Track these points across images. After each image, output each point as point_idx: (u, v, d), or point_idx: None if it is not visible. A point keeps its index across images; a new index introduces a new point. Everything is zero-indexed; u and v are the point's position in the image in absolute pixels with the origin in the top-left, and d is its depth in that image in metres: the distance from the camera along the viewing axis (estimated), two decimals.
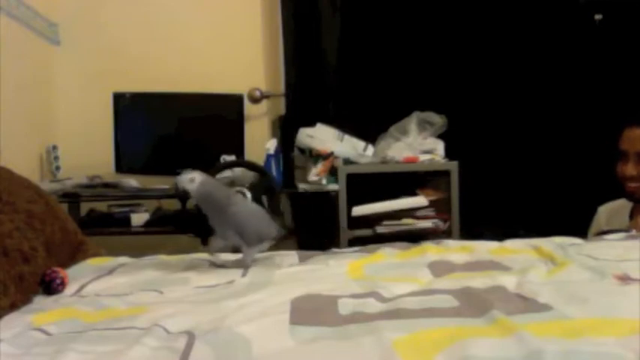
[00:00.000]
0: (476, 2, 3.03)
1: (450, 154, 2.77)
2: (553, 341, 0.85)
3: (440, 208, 2.71)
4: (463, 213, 2.70)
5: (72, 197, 2.54)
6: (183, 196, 1.55)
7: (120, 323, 1.04)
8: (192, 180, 1.48)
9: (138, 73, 2.93)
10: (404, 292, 1.18)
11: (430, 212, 2.71)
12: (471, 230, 2.66)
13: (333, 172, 2.71)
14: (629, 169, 2.05)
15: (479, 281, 1.22)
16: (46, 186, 2.40)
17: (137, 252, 1.76)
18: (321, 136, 2.77)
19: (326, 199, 2.72)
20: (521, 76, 3.02)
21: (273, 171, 2.67)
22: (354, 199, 2.67)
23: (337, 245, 2.52)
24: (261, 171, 2.47)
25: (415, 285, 1.25)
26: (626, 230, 1.90)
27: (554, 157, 3.00)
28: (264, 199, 2.45)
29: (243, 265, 1.51)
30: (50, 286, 1.32)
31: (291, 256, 1.64)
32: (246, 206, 1.58)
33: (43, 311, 1.15)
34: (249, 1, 3.11)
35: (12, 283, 1.21)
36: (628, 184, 2.08)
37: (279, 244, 1.63)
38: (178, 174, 2.59)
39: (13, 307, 1.18)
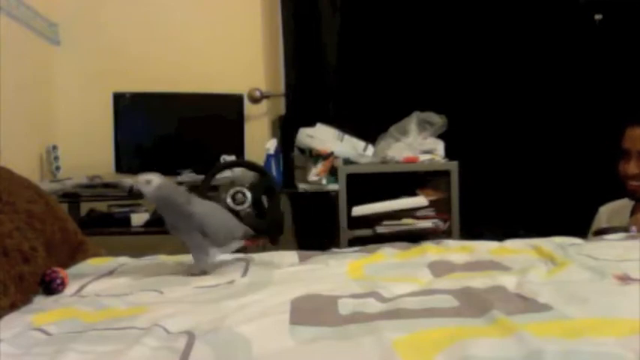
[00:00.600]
0: (476, 2, 3.03)
1: (450, 154, 2.77)
2: (553, 341, 0.85)
3: (440, 208, 2.71)
4: (463, 213, 2.70)
5: (72, 197, 2.54)
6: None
7: (120, 323, 1.04)
8: (149, 182, 1.41)
9: (138, 73, 2.93)
10: (404, 292, 1.18)
11: (430, 212, 2.71)
12: (471, 230, 2.66)
13: (333, 172, 2.71)
14: (631, 167, 2.06)
15: (479, 281, 1.22)
16: (46, 186, 2.39)
17: (137, 252, 1.75)
18: (321, 136, 2.77)
19: (326, 199, 2.72)
20: (521, 76, 3.02)
21: (273, 171, 2.67)
22: (354, 199, 2.67)
23: (337, 245, 2.52)
24: (261, 171, 2.47)
25: (415, 285, 1.25)
26: (626, 228, 1.90)
27: (554, 157, 3.00)
28: (264, 199, 2.45)
29: (203, 267, 1.46)
30: (50, 286, 1.32)
31: (291, 256, 1.64)
32: (208, 206, 1.52)
33: (43, 311, 1.15)
34: (249, 1, 3.11)
35: (12, 283, 1.21)
36: (630, 183, 2.08)
37: (279, 245, 1.62)
38: (179, 174, 2.61)
39: (13, 307, 1.18)
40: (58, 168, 2.74)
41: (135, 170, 2.76)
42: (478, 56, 3.02)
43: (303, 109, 2.99)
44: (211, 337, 0.92)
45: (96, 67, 2.98)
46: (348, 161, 2.76)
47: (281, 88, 3.09)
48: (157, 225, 2.56)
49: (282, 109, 3.09)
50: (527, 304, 1.06)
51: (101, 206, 2.69)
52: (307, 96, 3.01)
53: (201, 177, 2.46)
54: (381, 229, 2.67)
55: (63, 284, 1.34)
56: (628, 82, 2.88)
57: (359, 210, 2.67)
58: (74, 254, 1.65)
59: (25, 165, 2.45)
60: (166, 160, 2.80)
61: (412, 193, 2.76)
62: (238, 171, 2.53)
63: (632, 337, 0.85)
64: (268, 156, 2.72)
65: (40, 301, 1.27)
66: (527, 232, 1.85)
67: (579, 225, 2.25)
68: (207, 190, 2.40)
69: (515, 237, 1.70)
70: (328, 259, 1.56)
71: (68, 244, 1.64)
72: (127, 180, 2.60)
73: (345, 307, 1.08)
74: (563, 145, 2.99)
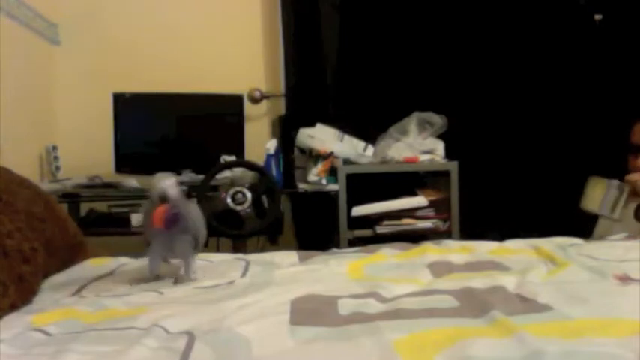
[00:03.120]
0: (476, 2, 3.03)
1: (450, 154, 2.77)
2: (553, 341, 0.85)
3: (440, 208, 2.71)
4: (463, 213, 2.70)
5: (72, 197, 2.54)
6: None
7: (120, 323, 1.04)
8: (173, 185, 1.33)
9: (138, 73, 2.93)
10: (404, 292, 1.18)
11: (430, 212, 2.71)
12: (471, 230, 2.65)
13: (333, 172, 2.71)
14: None
15: (479, 281, 1.22)
16: (46, 186, 2.39)
17: (137, 252, 1.75)
18: (321, 136, 2.77)
19: (326, 199, 2.72)
20: (521, 76, 3.02)
21: (273, 171, 2.67)
22: (354, 199, 2.67)
23: (337, 245, 2.51)
24: (261, 171, 2.47)
25: (415, 285, 1.25)
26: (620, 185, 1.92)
27: (554, 157, 3.00)
28: (264, 199, 2.45)
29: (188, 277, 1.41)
30: (170, 221, 1.30)
31: (291, 256, 1.64)
32: (193, 207, 1.39)
33: (43, 311, 1.15)
34: (249, 1, 3.11)
35: (12, 283, 1.21)
36: None
37: (279, 245, 1.61)
38: (179, 174, 2.61)
39: (13, 307, 1.18)
40: (58, 168, 2.74)
41: (135, 170, 2.78)
42: (478, 56, 3.02)
43: (303, 109, 2.99)
44: (211, 337, 0.93)
45: (96, 67, 2.98)
46: (348, 161, 2.76)
47: (281, 88, 3.09)
48: None
49: (282, 109, 3.09)
50: (527, 304, 1.06)
51: (101, 206, 2.69)
52: (307, 96, 3.01)
53: (201, 177, 2.46)
54: (381, 229, 2.67)
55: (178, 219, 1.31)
56: (628, 82, 2.88)
57: (359, 210, 2.67)
58: (74, 254, 1.65)
59: (25, 165, 2.44)
60: (166, 160, 2.80)
61: (412, 193, 2.76)
62: (238, 171, 2.53)
63: (632, 337, 0.85)
64: (268, 156, 2.71)
65: (40, 301, 1.27)
66: (528, 233, 1.84)
67: (579, 225, 2.25)
68: (207, 190, 2.41)
69: (516, 237, 1.70)
70: (328, 259, 1.56)
71: (68, 245, 1.64)
72: (129, 181, 2.60)
73: (345, 307, 1.08)
74: (563, 145, 2.99)
